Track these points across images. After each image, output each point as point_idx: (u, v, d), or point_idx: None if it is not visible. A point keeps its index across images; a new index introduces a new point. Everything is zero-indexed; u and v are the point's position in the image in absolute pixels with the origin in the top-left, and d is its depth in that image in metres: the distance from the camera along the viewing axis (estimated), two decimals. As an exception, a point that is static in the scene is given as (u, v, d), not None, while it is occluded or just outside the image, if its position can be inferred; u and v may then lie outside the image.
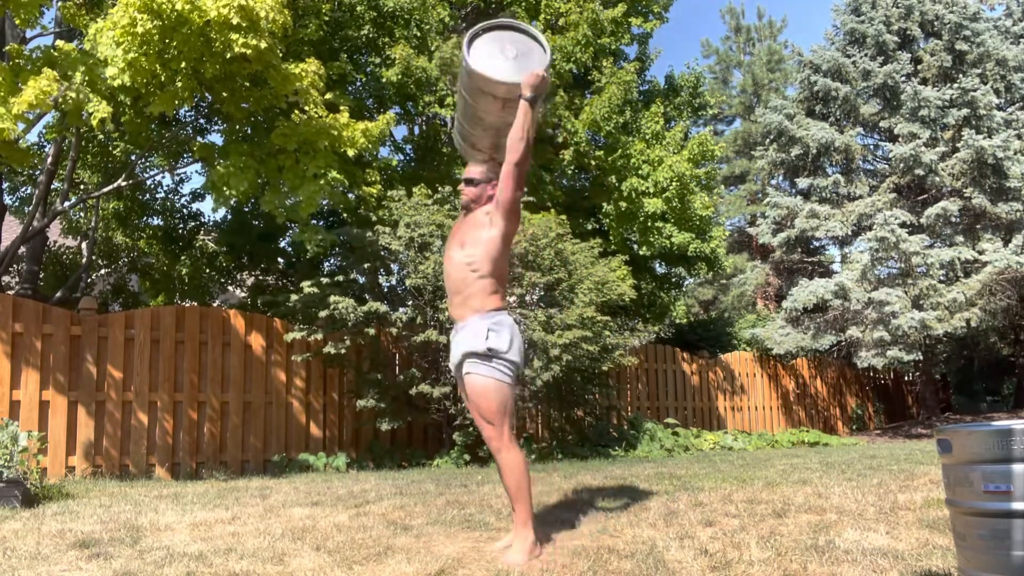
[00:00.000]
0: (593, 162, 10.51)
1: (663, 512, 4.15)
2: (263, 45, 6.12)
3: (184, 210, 11.45)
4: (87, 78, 6.21)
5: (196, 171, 12.34)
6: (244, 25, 5.96)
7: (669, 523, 3.88)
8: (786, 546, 3.30)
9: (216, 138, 11.44)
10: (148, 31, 5.84)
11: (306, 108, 7.08)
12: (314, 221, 10.51)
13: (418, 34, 10.18)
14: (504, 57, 3.42)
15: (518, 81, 3.32)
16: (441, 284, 7.58)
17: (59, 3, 7.95)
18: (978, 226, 12.46)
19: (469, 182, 3.46)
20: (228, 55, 6.10)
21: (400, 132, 11.65)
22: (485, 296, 3.30)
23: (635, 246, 11.03)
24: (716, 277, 15.69)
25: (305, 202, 6.99)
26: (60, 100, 6.01)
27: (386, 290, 8.58)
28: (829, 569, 2.98)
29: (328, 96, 7.92)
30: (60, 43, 6.40)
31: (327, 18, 9.37)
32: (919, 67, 13.32)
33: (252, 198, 7.41)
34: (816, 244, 14.11)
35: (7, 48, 6.80)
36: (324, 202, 8.58)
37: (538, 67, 3.38)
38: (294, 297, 7.59)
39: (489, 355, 3.23)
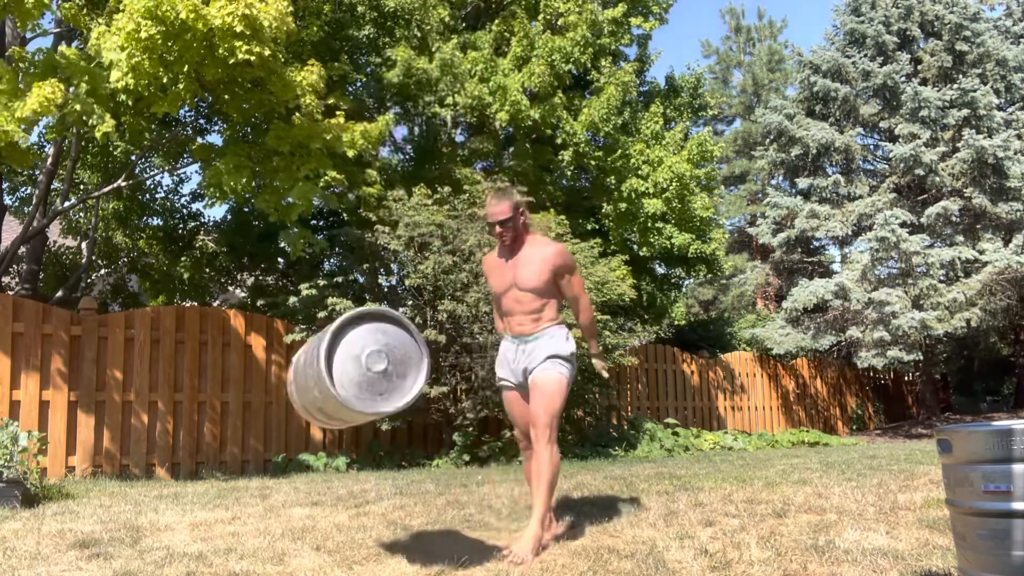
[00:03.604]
0: (593, 162, 10.51)
1: (663, 512, 4.15)
2: (266, 52, 6.13)
3: (184, 210, 11.44)
4: (90, 86, 6.22)
5: (196, 171, 12.35)
6: (248, 33, 5.97)
7: (669, 523, 3.88)
8: (786, 546, 3.30)
9: (216, 139, 11.44)
10: (152, 36, 5.86)
11: (303, 111, 7.09)
12: (314, 222, 10.53)
13: (419, 34, 10.18)
14: (367, 370, 2.85)
15: (379, 412, 2.96)
16: (441, 284, 7.59)
17: (60, 4, 7.94)
18: (978, 226, 12.46)
19: (504, 224, 3.62)
20: (231, 61, 6.11)
21: (400, 132, 11.64)
22: (555, 311, 3.70)
23: (635, 246, 11.03)
24: (716, 278, 15.69)
25: (298, 203, 7.00)
26: (65, 111, 6.02)
27: (386, 290, 8.58)
28: (829, 569, 2.98)
29: (330, 101, 7.93)
30: (63, 48, 6.41)
31: (328, 18, 9.37)
32: (919, 67, 13.32)
33: (248, 197, 7.40)
34: (816, 244, 14.10)
35: (9, 52, 6.81)
36: (321, 203, 8.58)
37: (413, 386, 2.97)
38: (293, 298, 7.59)
39: (568, 358, 3.62)
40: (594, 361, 3.98)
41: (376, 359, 2.84)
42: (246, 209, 10.07)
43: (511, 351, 3.70)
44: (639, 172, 10.55)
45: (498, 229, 3.64)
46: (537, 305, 3.64)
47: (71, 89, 6.13)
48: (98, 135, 6.23)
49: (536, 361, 3.60)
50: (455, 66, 9.62)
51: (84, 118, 6.21)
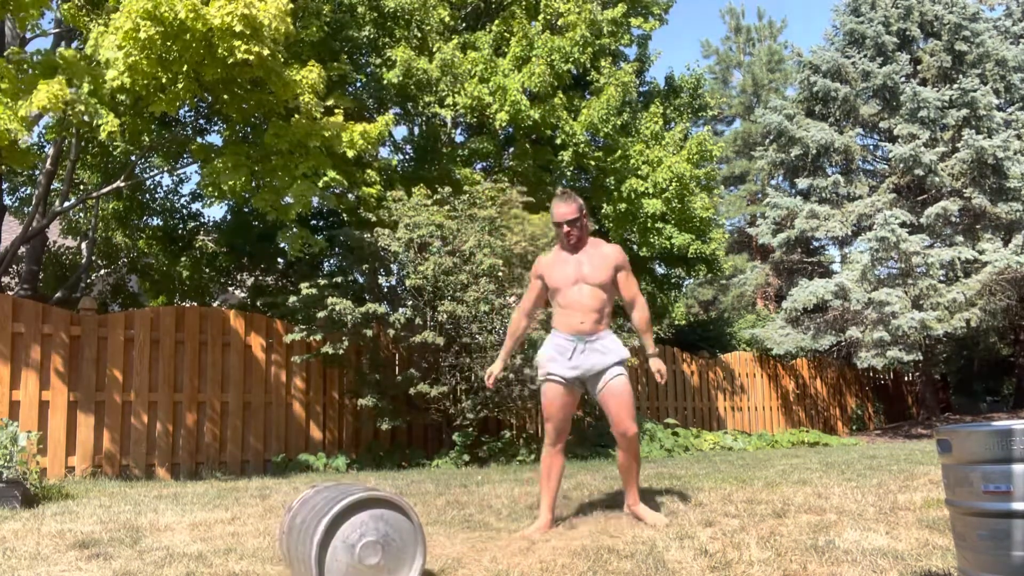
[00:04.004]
0: (592, 163, 10.51)
1: (663, 512, 4.15)
2: (265, 52, 6.13)
3: (184, 210, 11.43)
4: (92, 87, 6.22)
5: (195, 171, 12.35)
6: (247, 33, 5.97)
7: (669, 523, 3.88)
8: (786, 546, 3.30)
9: (216, 139, 11.44)
10: (151, 36, 5.86)
11: (302, 110, 7.09)
12: (313, 222, 10.52)
13: (419, 34, 10.18)
14: (359, 562, 2.75)
15: None
16: (441, 284, 7.59)
17: (59, 4, 7.94)
18: (978, 226, 12.46)
19: (572, 223, 3.96)
20: (230, 61, 6.11)
21: (400, 132, 11.66)
22: (610, 316, 4.05)
23: (635, 247, 11.03)
24: (716, 278, 15.69)
25: (295, 202, 7.00)
26: (70, 111, 6.02)
27: (386, 290, 8.58)
28: (829, 569, 2.98)
29: (329, 102, 7.92)
30: (63, 48, 6.41)
31: (328, 19, 9.37)
32: (919, 68, 13.32)
33: (247, 196, 7.40)
34: (816, 244, 14.11)
35: (8, 52, 6.81)
36: (320, 202, 8.58)
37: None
38: (293, 298, 7.59)
39: (624, 362, 3.98)
40: (652, 361, 4.16)
41: (371, 552, 2.76)
42: (246, 209, 10.06)
43: (567, 348, 3.90)
44: (639, 172, 10.55)
45: (566, 228, 3.96)
46: (599, 304, 3.93)
47: (74, 89, 6.13)
48: (103, 135, 6.23)
49: (606, 364, 3.89)
50: (455, 66, 9.61)
51: (87, 118, 6.21)
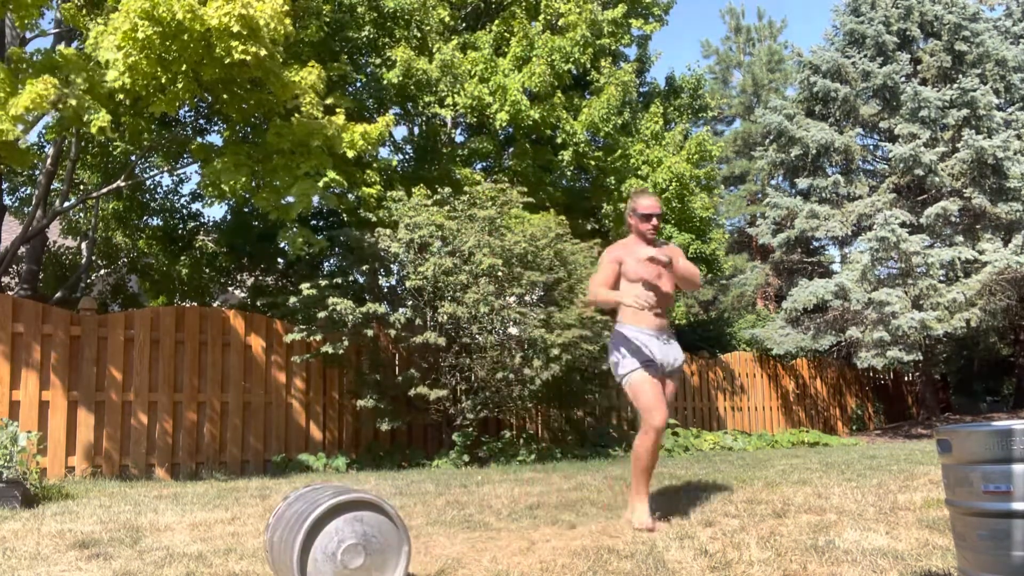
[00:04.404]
0: (592, 162, 10.51)
1: (663, 512, 4.15)
2: (263, 52, 6.13)
3: (184, 210, 11.43)
4: (88, 84, 6.21)
5: (196, 171, 12.34)
6: (244, 33, 5.97)
7: (669, 523, 3.88)
8: (786, 546, 3.30)
9: (216, 139, 11.43)
10: (149, 36, 5.86)
11: (303, 109, 7.08)
12: (313, 222, 10.53)
13: (418, 35, 10.18)
14: (343, 568, 2.71)
15: None
16: (441, 285, 7.59)
17: (59, 4, 7.94)
18: (978, 226, 12.45)
19: (659, 217, 4.09)
20: (228, 61, 6.11)
21: (400, 132, 11.66)
22: None
23: (635, 246, 11.01)
24: (716, 278, 15.68)
25: (297, 201, 7.00)
26: (60, 106, 6.01)
27: (386, 290, 8.58)
28: (829, 569, 2.98)
29: (329, 100, 7.92)
30: (61, 47, 6.41)
31: (327, 19, 9.37)
32: (919, 68, 13.32)
33: (247, 196, 7.39)
34: (816, 244, 14.10)
35: (8, 52, 6.80)
36: (320, 202, 8.58)
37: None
38: (293, 298, 7.59)
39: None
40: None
41: (353, 554, 2.71)
42: (246, 209, 10.07)
43: (655, 343, 3.96)
44: (639, 172, 10.55)
45: (654, 222, 4.05)
46: (672, 300, 4.09)
47: (69, 88, 6.12)
48: (93, 129, 6.23)
49: (680, 359, 4.08)
50: (455, 66, 9.62)
51: (80, 115, 6.20)
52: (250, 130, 8.03)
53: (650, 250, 3.95)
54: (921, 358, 12.11)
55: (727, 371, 12.33)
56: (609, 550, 3.33)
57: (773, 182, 15.08)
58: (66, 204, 9.26)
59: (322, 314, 7.33)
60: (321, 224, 10.74)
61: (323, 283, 7.52)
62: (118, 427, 6.92)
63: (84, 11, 7.36)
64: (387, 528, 2.79)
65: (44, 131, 8.93)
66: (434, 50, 9.87)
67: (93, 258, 10.86)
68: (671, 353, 4.02)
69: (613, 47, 10.76)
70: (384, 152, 11.58)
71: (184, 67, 6.20)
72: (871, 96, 13.33)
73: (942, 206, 11.87)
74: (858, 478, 5.21)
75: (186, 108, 9.27)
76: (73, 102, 5.98)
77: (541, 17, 10.52)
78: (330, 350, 7.46)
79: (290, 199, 7.07)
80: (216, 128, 9.88)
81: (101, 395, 6.90)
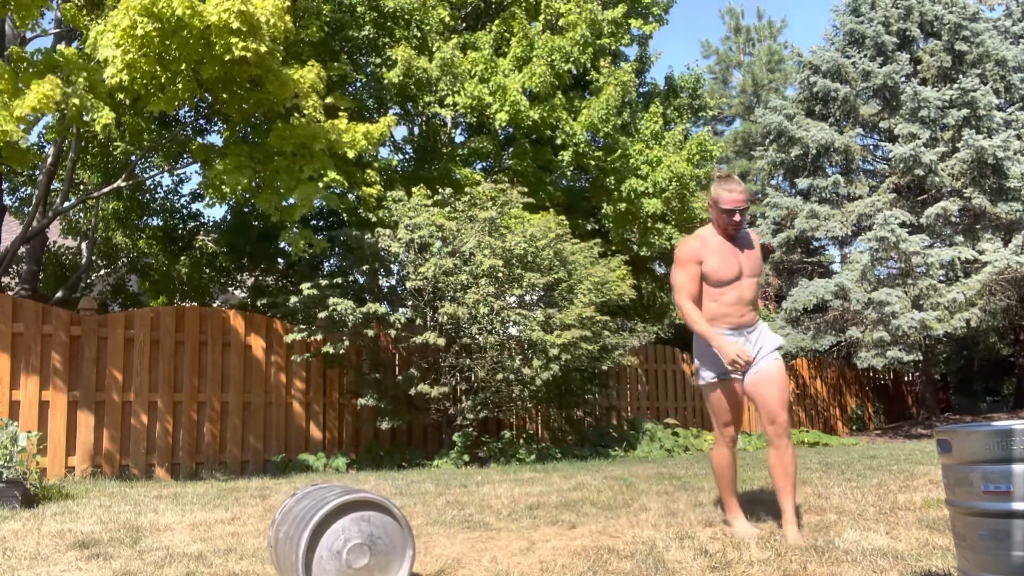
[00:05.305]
0: (592, 163, 10.51)
1: (663, 512, 4.15)
2: (263, 49, 6.12)
3: (184, 210, 11.44)
4: (89, 83, 6.21)
5: (196, 171, 12.35)
6: (244, 30, 5.97)
7: (669, 523, 3.88)
8: (786, 546, 3.30)
9: (216, 139, 11.44)
10: (148, 33, 5.85)
11: (305, 112, 7.08)
12: (314, 222, 10.53)
13: (418, 34, 10.18)
14: (348, 567, 2.71)
15: None
16: (441, 285, 7.59)
17: (60, 4, 7.94)
18: (978, 226, 12.45)
19: (744, 212, 3.60)
20: (228, 58, 6.10)
21: (400, 132, 11.64)
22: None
23: (635, 246, 11.03)
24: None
25: (300, 203, 7.00)
26: (64, 106, 6.01)
27: (386, 290, 8.58)
28: (829, 569, 2.98)
29: (329, 99, 7.92)
30: (62, 47, 6.41)
31: (328, 19, 9.37)
32: (919, 68, 13.32)
33: (248, 197, 7.40)
34: (816, 244, 14.10)
35: (8, 51, 6.80)
36: (321, 202, 8.58)
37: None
38: (294, 298, 7.59)
39: (782, 347, 3.79)
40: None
41: (358, 554, 2.72)
42: (246, 209, 10.07)
43: (739, 342, 3.65)
44: (639, 172, 10.55)
45: (737, 218, 3.58)
46: (756, 295, 3.76)
47: (70, 87, 6.12)
48: (98, 127, 6.22)
49: (767, 349, 3.67)
50: (455, 66, 9.62)
51: (83, 114, 6.20)
52: (250, 130, 8.02)
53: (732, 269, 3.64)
54: (921, 358, 12.11)
55: (727, 371, 12.32)
56: (609, 550, 3.33)
57: (773, 182, 15.08)
58: (66, 204, 9.26)
59: (322, 314, 7.33)
60: (321, 224, 10.74)
61: (323, 283, 7.53)
62: (118, 427, 6.92)
63: (84, 11, 7.36)
64: (393, 530, 2.80)
65: (44, 131, 8.93)
66: (434, 50, 9.87)
67: (93, 258, 10.86)
68: (758, 342, 3.69)
69: (613, 47, 10.76)
70: (384, 152, 11.59)
71: (183, 65, 6.20)
72: (871, 96, 13.33)
73: (942, 206, 11.86)
74: (858, 478, 5.21)
75: (186, 108, 9.27)
76: (76, 101, 5.98)
77: (541, 17, 10.52)
78: (330, 350, 7.46)
79: (292, 200, 7.07)
80: (216, 128, 9.88)
81: (101, 395, 6.90)
